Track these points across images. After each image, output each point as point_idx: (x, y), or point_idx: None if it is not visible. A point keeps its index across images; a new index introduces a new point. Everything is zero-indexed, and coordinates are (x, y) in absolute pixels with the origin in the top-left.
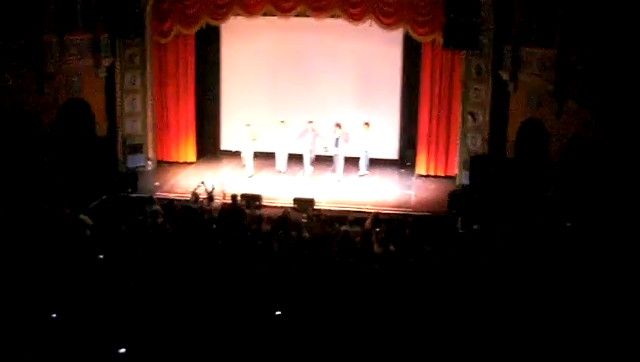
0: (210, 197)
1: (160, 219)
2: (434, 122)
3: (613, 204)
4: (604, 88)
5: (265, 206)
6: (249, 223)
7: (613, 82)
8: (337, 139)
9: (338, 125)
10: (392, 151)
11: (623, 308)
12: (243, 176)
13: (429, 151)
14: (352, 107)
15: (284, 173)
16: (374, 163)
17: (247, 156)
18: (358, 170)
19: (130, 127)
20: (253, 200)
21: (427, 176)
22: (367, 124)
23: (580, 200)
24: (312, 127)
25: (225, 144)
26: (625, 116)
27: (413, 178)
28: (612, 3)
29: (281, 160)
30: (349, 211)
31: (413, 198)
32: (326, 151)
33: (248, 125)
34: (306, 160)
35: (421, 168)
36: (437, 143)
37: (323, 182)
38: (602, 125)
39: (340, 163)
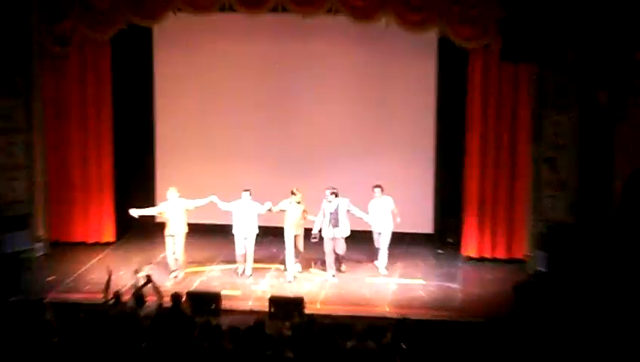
0: (139, 296)
1: (54, 337)
2: (489, 176)
3: None
4: None
5: (226, 311)
6: (201, 339)
7: None
8: (335, 214)
9: (334, 193)
10: (423, 222)
11: None
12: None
13: (481, 221)
14: (358, 158)
15: (248, 277)
16: (397, 240)
17: (171, 243)
18: (375, 258)
19: (6, 188)
20: (207, 302)
21: (480, 259)
22: (379, 187)
23: None
24: (297, 198)
25: None
26: None
27: (459, 263)
28: None
29: (242, 254)
30: (357, 317)
31: (459, 295)
32: (315, 239)
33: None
34: (290, 249)
35: (470, 247)
36: (494, 208)
37: (315, 272)
38: None
39: (340, 247)
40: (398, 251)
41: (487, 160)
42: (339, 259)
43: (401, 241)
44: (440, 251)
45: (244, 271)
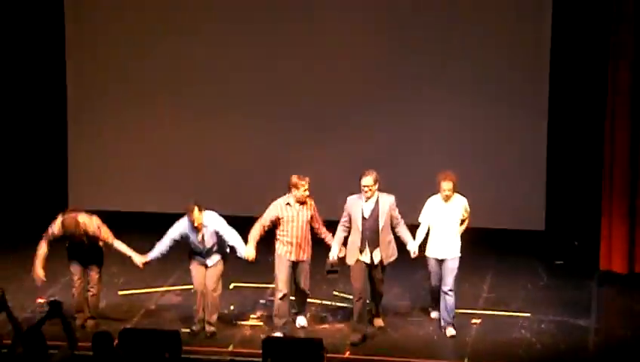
0: (35, 339)
1: None
2: None
3: None
4: None
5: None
6: None
7: None
8: (373, 220)
9: (374, 182)
10: (529, 214)
11: None
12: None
13: (636, 215)
14: (409, 114)
15: (211, 331)
16: (481, 241)
17: (80, 275)
18: (430, 305)
19: None
20: (156, 346)
21: (630, 277)
22: (450, 180)
23: None
24: (299, 194)
25: (77, 198)
26: None
27: (593, 283)
28: None
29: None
30: None
31: (593, 339)
32: (333, 274)
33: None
34: (283, 288)
35: (614, 257)
36: None
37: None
38: None
39: (379, 282)
40: (484, 261)
41: None
42: (376, 304)
43: (491, 244)
44: (559, 262)
45: (201, 329)
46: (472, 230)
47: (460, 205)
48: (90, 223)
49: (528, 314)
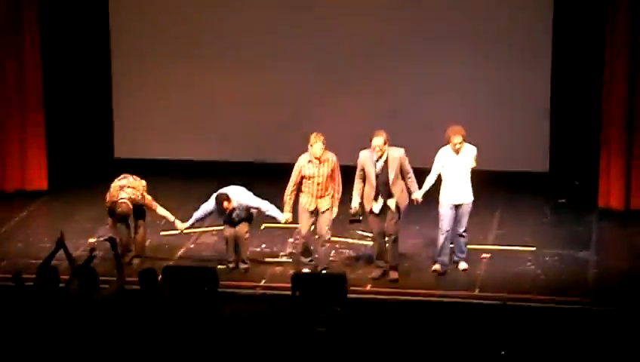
0: (87, 274)
1: None
2: None
3: None
4: None
5: (226, 295)
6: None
7: None
8: (384, 174)
9: (381, 145)
10: (533, 156)
11: None
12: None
13: (632, 154)
14: (417, 60)
15: (245, 267)
16: (490, 183)
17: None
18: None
19: None
20: (194, 282)
21: (627, 213)
22: (460, 134)
23: None
24: (316, 151)
25: (122, 146)
26: None
27: (593, 219)
28: None
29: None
30: (428, 304)
31: (593, 270)
32: (356, 220)
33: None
34: (307, 237)
35: (612, 195)
36: None
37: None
38: None
39: (392, 225)
40: (493, 201)
41: None
42: (394, 245)
43: (499, 185)
44: (561, 200)
45: (236, 265)
46: (481, 172)
47: (470, 154)
48: (135, 193)
49: (534, 249)
